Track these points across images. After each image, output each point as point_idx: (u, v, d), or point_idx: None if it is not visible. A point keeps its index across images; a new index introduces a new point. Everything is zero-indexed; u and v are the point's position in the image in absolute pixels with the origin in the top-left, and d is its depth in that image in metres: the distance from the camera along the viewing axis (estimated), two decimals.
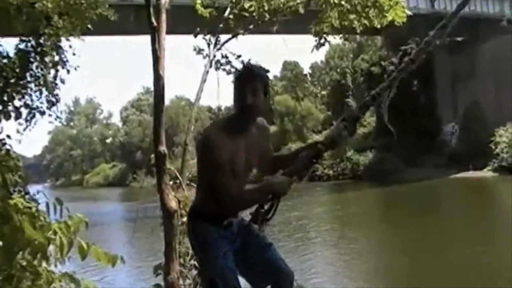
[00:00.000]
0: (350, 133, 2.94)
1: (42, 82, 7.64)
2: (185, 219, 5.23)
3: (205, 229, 2.78)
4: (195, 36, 6.48)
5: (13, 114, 7.67)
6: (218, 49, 6.12)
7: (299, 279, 6.70)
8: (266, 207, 2.89)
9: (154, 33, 5.27)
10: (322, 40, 6.69)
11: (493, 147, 35.08)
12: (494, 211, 20.37)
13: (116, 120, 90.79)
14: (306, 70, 65.63)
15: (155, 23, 5.28)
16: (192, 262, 5.60)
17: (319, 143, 2.99)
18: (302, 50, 14.65)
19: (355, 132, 3.02)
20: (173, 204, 5.22)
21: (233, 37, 6.33)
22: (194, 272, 5.61)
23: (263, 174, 3.11)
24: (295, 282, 3.00)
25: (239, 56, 6.37)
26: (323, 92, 63.05)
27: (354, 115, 2.96)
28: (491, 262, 11.80)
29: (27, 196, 6.11)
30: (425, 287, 10.69)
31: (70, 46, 7.96)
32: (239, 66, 6.68)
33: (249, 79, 2.70)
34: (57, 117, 8.84)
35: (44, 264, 3.01)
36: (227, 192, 2.65)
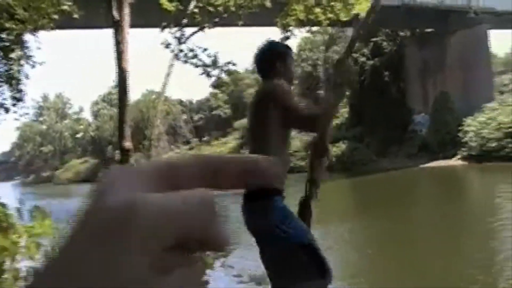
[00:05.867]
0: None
1: (5, 78, 7.49)
2: None
3: (281, 202, 3.00)
4: (162, 30, 6.41)
5: None
6: (183, 43, 6.07)
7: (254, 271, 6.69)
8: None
9: (116, 26, 5.22)
10: (288, 33, 6.68)
11: (462, 136, 35.63)
12: (460, 198, 20.81)
13: (87, 115, 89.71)
14: None
15: (117, 17, 5.22)
16: None
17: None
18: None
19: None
20: None
21: (198, 30, 6.27)
22: None
23: None
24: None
25: (205, 49, 6.35)
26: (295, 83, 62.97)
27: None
28: (453, 247, 12.01)
29: None
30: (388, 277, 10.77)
31: (36, 41, 7.83)
32: (206, 59, 6.68)
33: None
34: (24, 113, 8.70)
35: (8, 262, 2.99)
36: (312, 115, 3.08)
